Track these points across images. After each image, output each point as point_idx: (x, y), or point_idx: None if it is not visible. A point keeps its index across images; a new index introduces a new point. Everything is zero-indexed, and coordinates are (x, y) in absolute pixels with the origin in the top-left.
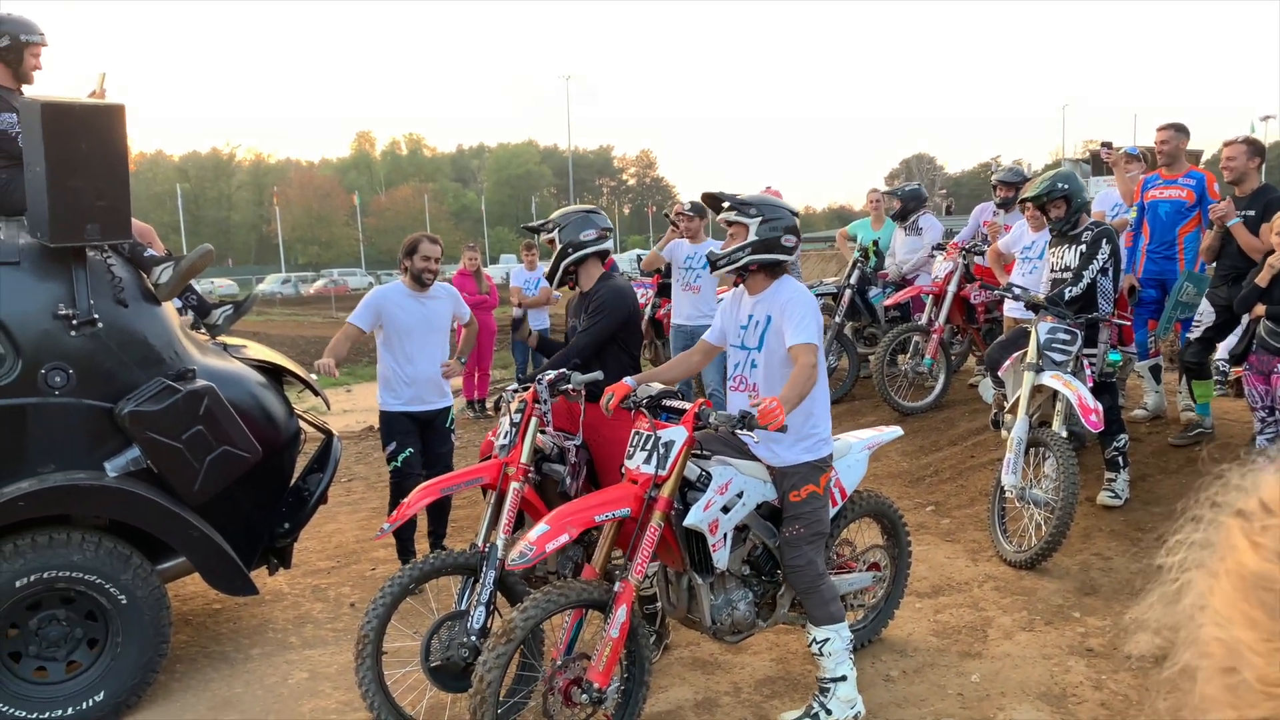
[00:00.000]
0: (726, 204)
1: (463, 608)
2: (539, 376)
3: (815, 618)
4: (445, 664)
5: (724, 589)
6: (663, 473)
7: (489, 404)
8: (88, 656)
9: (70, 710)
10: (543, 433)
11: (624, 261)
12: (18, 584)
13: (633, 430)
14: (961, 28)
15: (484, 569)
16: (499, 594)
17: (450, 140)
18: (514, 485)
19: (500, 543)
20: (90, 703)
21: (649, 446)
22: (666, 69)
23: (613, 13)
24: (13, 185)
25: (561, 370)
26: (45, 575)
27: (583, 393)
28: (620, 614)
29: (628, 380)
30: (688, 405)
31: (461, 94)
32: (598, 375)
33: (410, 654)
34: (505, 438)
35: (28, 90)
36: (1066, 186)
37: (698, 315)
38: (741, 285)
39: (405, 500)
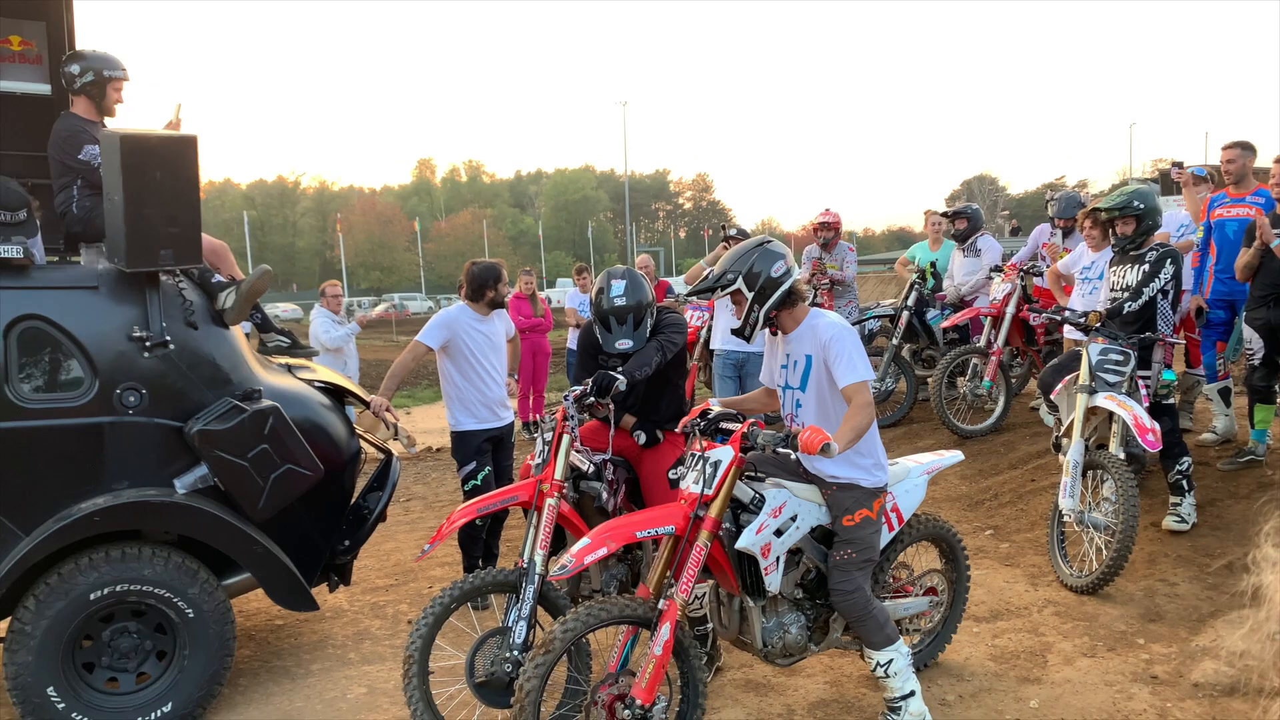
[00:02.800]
0: (707, 287)
1: (507, 624)
2: (566, 393)
3: (873, 642)
4: (490, 680)
5: (776, 612)
6: (709, 492)
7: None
8: (157, 668)
9: None
10: (577, 451)
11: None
12: (92, 596)
13: (686, 451)
14: (1026, 46)
15: (524, 585)
16: (541, 609)
17: (509, 166)
18: (549, 502)
19: (539, 559)
20: (159, 713)
21: (699, 467)
22: (723, 92)
23: (669, 38)
24: (94, 213)
25: (585, 386)
26: (118, 588)
27: (611, 411)
28: (664, 631)
29: (712, 403)
30: (730, 425)
31: (520, 121)
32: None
33: (460, 672)
34: (540, 456)
35: (109, 123)
36: (1142, 206)
37: (741, 342)
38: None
39: (444, 522)
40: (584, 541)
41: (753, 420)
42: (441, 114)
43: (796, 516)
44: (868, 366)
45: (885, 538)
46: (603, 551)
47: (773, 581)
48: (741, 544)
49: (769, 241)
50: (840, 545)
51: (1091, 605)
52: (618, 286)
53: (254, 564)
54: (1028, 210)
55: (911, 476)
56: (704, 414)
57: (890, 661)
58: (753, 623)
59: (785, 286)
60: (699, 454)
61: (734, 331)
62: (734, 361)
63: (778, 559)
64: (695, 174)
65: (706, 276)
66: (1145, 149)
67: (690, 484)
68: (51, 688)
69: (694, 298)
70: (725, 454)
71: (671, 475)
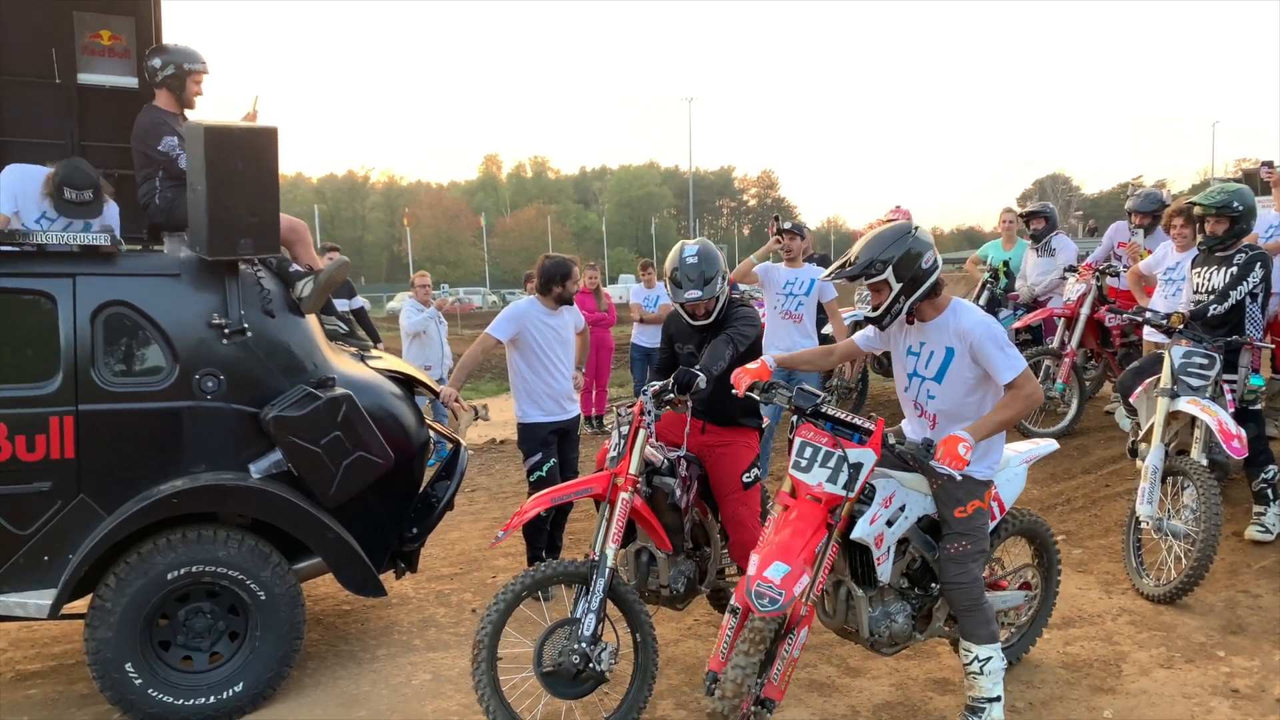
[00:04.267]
0: (849, 274)
1: (576, 615)
2: (644, 388)
3: (977, 636)
4: (557, 670)
5: (882, 601)
6: (851, 494)
7: (606, 420)
8: (229, 649)
9: (212, 699)
10: (652, 446)
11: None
12: (169, 576)
13: (800, 439)
14: (1102, 44)
15: (594, 577)
16: (610, 602)
17: (573, 162)
18: (622, 496)
19: (610, 552)
20: (230, 693)
21: (831, 464)
22: (790, 88)
23: (736, 34)
24: (176, 203)
25: (665, 382)
26: (193, 569)
27: (690, 406)
28: (803, 635)
29: (769, 361)
30: (861, 421)
31: (585, 117)
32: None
33: (527, 660)
34: (615, 449)
35: (190, 115)
36: (1240, 207)
37: (797, 348)
38: None
39: (520, 508)
40: (782, 568)
41: (881, 420)
42: (508, 110)
43: (905, 506)
44: (1020, 354)
45: (989, 529)
46: (805, 580)
47: (884, 571)
48: (857, 534)
49: (916, 229)
50: (954, 538)
51: (1169, 615)
52: (691, 248)
53: (324, 549)
54: (1102, 210)
55: (1011, 465)
56: (771, 384)
57: (989, 659)
58: (860, 612)
59: (934, 279)
60: (830, 449)
61: (868, 319)
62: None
63: (889, 549)
64: (760, 171)
65: (846, 263)
66: (1228, 148)
67: (825, 481)
68: (129, 664)
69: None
70: (868, 457)
71: (745, 479)
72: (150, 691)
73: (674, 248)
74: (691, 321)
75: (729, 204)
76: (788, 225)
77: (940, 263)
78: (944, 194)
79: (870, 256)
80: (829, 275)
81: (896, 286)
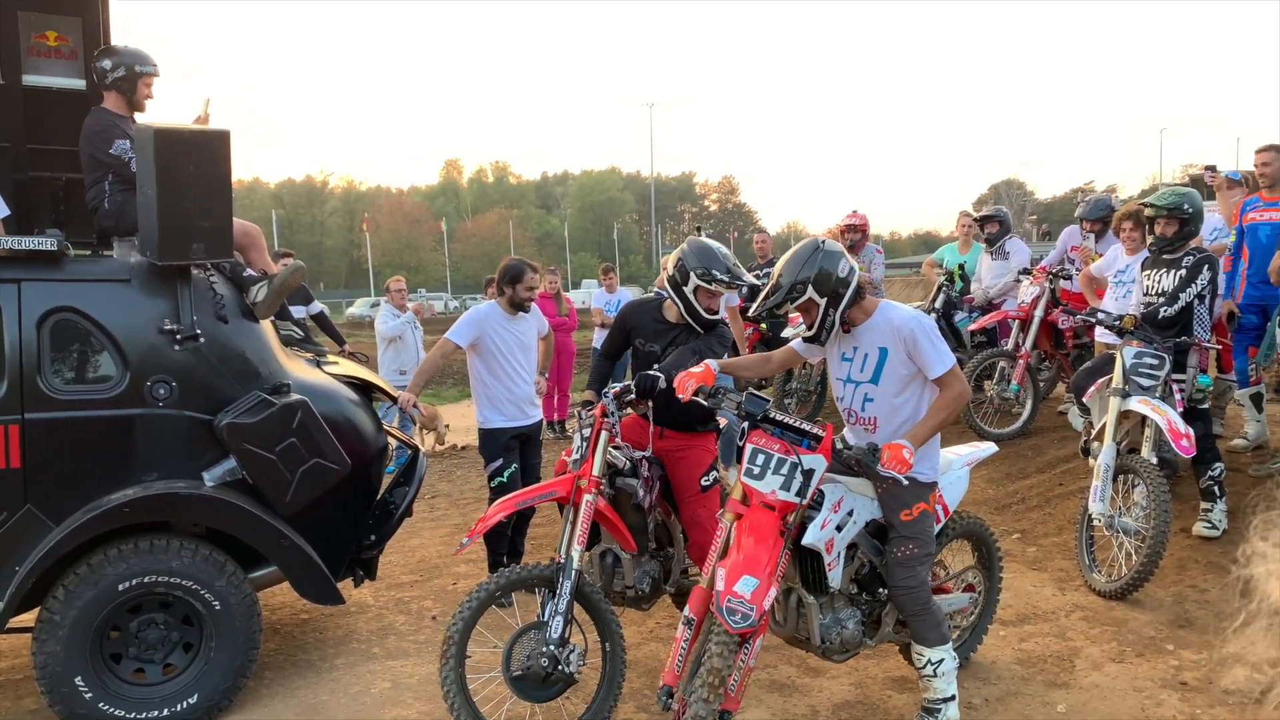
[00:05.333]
0: (777, 306)
1: (543, 618)
2: (605, 390)
3: (928, 639)
4: (526, 673)
5: (833, 608)
6: (804, 500)
7: (568, 424)
8: (183, 660)
9: (165, 711)
10: (615, 448)
11: None
12: (120, 587)
13: (752, 446)
14: (1054, 50)
15: (561, 580)
16: (577, 605)
17: (535, 168)
18: (586, 498)
19: (576, 554)
20: (185, 705)
21: (784, 471)
22: (750, 95)
23: (697, 40)
24: (126, 207)
25: (627, 384)
26: (146, 579)
27: (651, 411)
28: (758, 644)
29: (711, 364)
30: (811, 427)
31: (547, 122)
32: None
33: (494, 664)
34: (578, 452)
35: (140, 118)
36: (1190, 209)
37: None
38: None
39: (483, 515)
40: (752, 582)
41: (830, 425)
42: (469, 115)
43: (854, 511)
44: (950, 351)
45: (934, 532)
46: (774, 592)
47: (835, 577)
48: (808, 540)
49: (823, 242)
50: (901, 541)
51: (1120, 610)
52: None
53: (280, 557)
54: (1056, 215)
55: (954, 469)
56: (718, 390)
57: (941, 661)
58: (811, 619)
59: (854, 285)
60: (784, 456)
61: (807, 339)
62: None
63: (839, 554)
64: (721, 176)
65: (769, 294)
66: (1176, 154)
67: (778, 489)
68: (79, 677)
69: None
70: (820, 463)
71: (704, 482)
72: (101, 705)
73: (716, 247)
74: (708, 316)
75: (690, 209)
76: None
77: (856, 268)
78: (902, 198)
79: (789, 281)
80: (757, 309)
81: (822, 302)
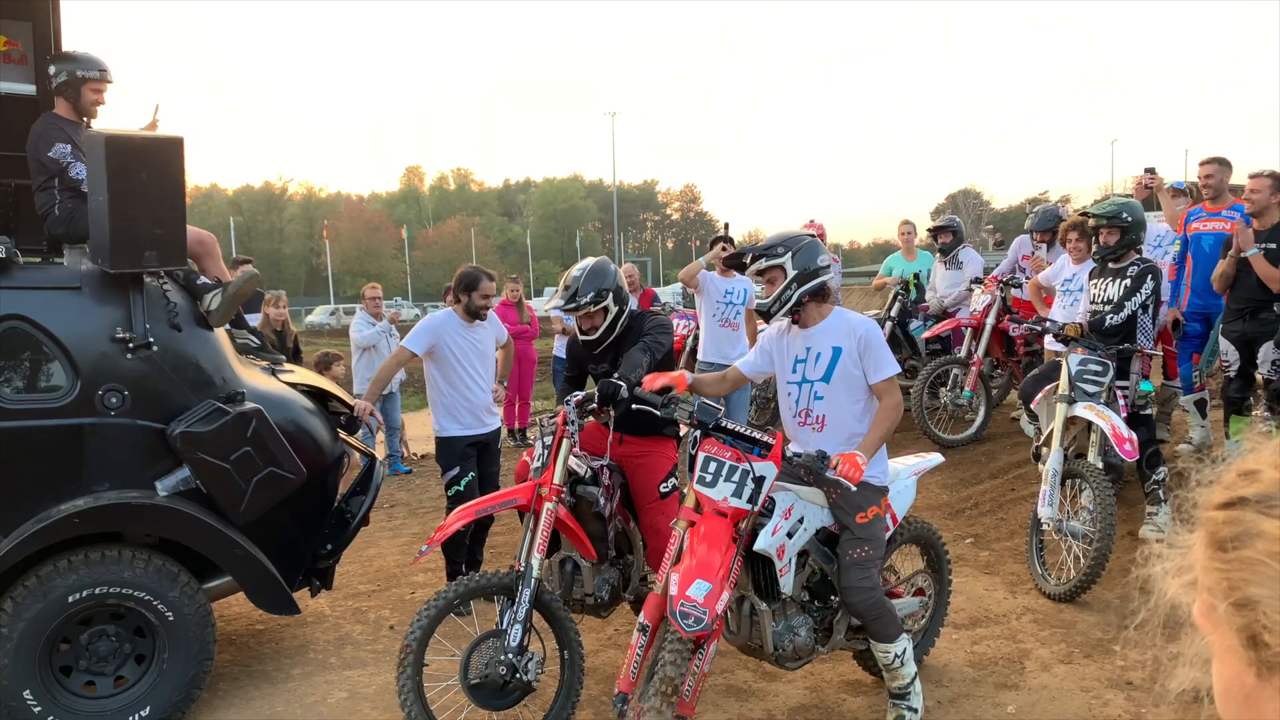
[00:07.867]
0: (749, 257)
1: (502, 626)
2: (567, 399)
3: (888, 635)
4: (484, 681)
5: (785, 615)
6: (755, 507)
7: (530, 433)
8: (135, 672)
9: None
10: (576, 456)
11: (666, 294)
12: (70, 599)
13: (704, 454)
14: (1012, 62)
15: (520, 588)
16: (536, 613)
17: (497, 175)
18: (547, 506)
19: (535, 562)
20: (136, 717)
21: (736, 479)
22: (712, 104)
23: (659, 50)
24: (76, 214)
25: (590, 393)
26: (96, 591)
27: (613, 418)
28: (712, 650)
29: (687, 375)
30: (761, 435)
31: (509, 130)
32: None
33: (451, 672)
34: (539, 460)
35: (95, 125)
36: (1130, 218)
37: (734, 355)
38: (787, 320)
39: (443, 522)
40: (704, 586)
41: (779, 433)
42: (430, 122)
43: (804, 519)
44: (896, 363)
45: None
46: (728, 596)
47: (787, 583)
48: (760, 546)
49: (817, 237)
50: (856, 543)
51: (1069, 613)
52: (582, 264)
53: (235, 567)
54: (1011, 224)
55: (901, 478)
56: (673, 398)
57: (904, 650)
58: (764, 626)
59: (824, 278)
60: (736, 464)
61: (758, 310)
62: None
63: (790, 561)
64: (683, 185)
65: (745, 254)
66: (1127, 166)
67: (730, 496)
68: (28, 691)
69: (680, 306)
70: (770, 470)
71: (663, 488)
72: (51, 719)
73: (572, 270)
74: (585, 339)
75: (653, 217)
76: (723, 235)
77: (832, 269)
78: (861, 209)
79: (773, 242)
80: (729, 260)
81: (791, 273)
